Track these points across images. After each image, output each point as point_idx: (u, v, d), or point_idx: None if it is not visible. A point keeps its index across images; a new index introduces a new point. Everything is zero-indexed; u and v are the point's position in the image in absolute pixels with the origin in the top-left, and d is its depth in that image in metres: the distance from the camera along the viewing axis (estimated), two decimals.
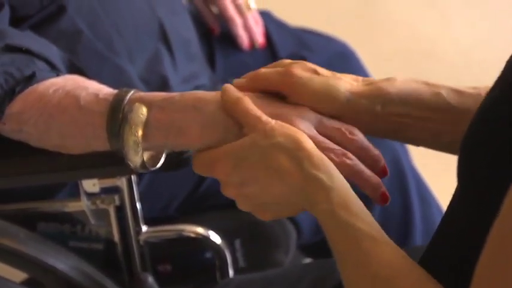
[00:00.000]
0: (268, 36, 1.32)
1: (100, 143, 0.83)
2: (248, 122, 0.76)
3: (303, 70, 0.80)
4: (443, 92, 0.81)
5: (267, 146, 0.74)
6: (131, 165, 0.81)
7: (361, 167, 0.77)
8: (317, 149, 0.74)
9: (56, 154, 0.90)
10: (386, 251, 0.69)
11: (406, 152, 1.33)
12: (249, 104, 0.77)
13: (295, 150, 0.73)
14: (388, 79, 0.82)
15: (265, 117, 0.76)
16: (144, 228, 1.05)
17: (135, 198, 1.02)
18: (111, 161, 0.92)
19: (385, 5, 2.63)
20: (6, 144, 0.92)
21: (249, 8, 1.30)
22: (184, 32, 1.20)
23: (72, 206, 1.05)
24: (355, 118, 0.80)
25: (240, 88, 0.80)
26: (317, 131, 0.77)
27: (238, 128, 0.77)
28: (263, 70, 0.81)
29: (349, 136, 0.77)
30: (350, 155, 0.76)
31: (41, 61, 0.90)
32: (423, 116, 0.81)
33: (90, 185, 0.99)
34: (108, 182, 1.00)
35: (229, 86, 0.79)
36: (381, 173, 0.79)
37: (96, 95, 0.84)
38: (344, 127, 0.78)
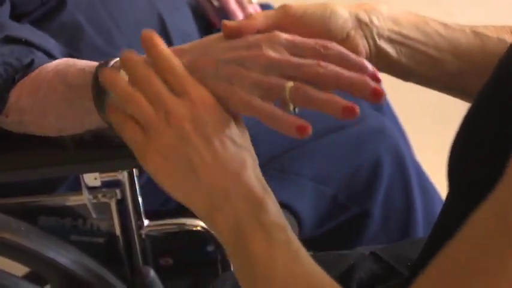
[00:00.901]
0: None
1: (94, 119, 0.81)
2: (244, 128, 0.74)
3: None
4: (430, 22, 0.81)
5: (249, 147, 0.73)
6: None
7: (337, 69, 0.71)
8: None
9: (57, 148, 0.90)
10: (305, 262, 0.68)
11: (408, 146, 1.32)
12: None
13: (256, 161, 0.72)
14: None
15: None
16: (146, 222, 1.05)
17: (136, 192, 1.02)
18: (112, 155, 0.92)
19: (387, 1, 2.62)
20: (7, 138, 0.92)
21: (249, 1, 1.30)
22: (184, 26, 1.20)
23: (73, 200, 1.05)
24: (355, 41, 0.78)
25: (237, 29, 0.75)
26: (290, 52, 0.73)
27: None
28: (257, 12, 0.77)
29: (323, 51, 0.73)
30: (321, 62, 0.71)
31: (40, 52, 0.90)
32: (418, 39, 0.80)
33: (92, 178, 0.99)
34: (110, 176, 1.01)
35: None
36: (372, 79, 0.72)
37: (82, 69, 0.83)
38: (318, 43, 0.73)
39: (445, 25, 0.82)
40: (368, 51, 0.78)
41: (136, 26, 1.10)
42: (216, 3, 1.30)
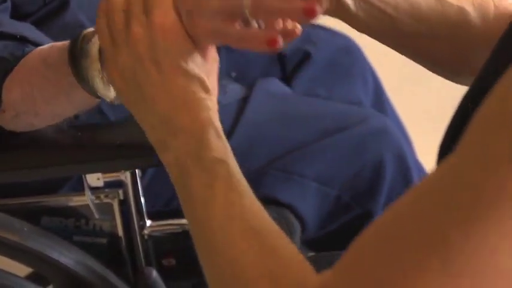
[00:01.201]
0: None
1: (79, 93, 0.82)
2: (208, 53, 0.72)
3: None
4: None
5: (203, 79, 0.70)
6: (107, 99, 0.80)
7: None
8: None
9: (60, 148, 0.90)
10: (258, 208, 0.67)
11: (410, 146, 1.32)
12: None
13: (209, 94, 0.70)
14: None
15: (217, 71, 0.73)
16: (148, 222, 1.05)
17: (139, 192, 1.02)
18: (115, 155, 0.92)
19: None
20: (7, 138, 0.92)
21: None
22: None
23: (76, 201, 1.05)
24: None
25: None
26: None
27: None
28: None
29: None
30: None
31: (34, 46, 0.90)
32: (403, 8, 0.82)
33: (94, 179, 0.99)
34: (112, 176, 1.00)
35: None
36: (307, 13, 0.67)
37: (60, 48, 0.84)
38: None
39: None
40: None
41: None
42: None
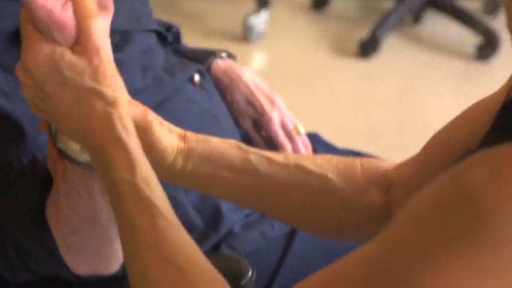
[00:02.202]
0: None
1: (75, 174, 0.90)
2: (84, 44, 0.79)
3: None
4: (253, 158, 0.87)
5: (89, 86, 0.78)
6: (72, 155, 0.87)
7: None
8: (129, 115, 0.79)
9: None
10: (180, 235, 0.72)
11: None
12: (95, 24, 0.80)
13: (112, 105, 0.77)
14: (205, 140, 0.88)
15: (102, 52, 0.79)
16: None
17: None
18: None
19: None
20: None
21: (298, 133, 1.30)
22: None
23: None
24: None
25: None
26: None
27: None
28: None
29: None
30: None
31: None
32: (230, 178, 0.87)
33: None
34: None
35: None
36: None
37: None
38: None
39: (269, 160, 0.88)
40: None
41: None
42: (264, 134, 1.32)
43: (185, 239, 0.72)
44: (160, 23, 1.33)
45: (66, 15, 0.79)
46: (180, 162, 0.86)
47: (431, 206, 0.54)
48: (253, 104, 1.31)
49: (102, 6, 0.83)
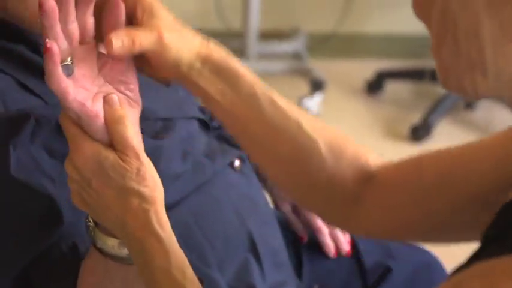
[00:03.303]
0: (353, 244, 1.34)
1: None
2: (124, 148, 0.86)
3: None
4: (261, 97, 0.92)
5: (130, 186, 0.86)
6: (108, 251, 0.93)
7: None
8: (164, 211, 0.87)
9: None
10: None
11: None
12: (129, 128, 0.87)
13: (150, 203, 0.86)
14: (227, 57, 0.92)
15: (141, 155, 0.87)
16: None
17: None
18: None
19: None
20: None
21: None
22: (273, 241, 1.26)
23: None
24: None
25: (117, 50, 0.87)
26: None
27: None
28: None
29: None
30: None
31: None
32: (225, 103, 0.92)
33: None
34: None
35: (114, 100, 0.88)
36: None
37: None
38: None
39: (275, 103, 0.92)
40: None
41: (227, 243, 1.18)
42: (302, 217, 1.36)
43: None
44: (205, 109, 1.40)
45: (97, 107, 0.87)
46: (195, 64, 0.91)
47: None
48: None
49: (131, 104, 0.90)
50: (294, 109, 0.93)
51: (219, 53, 0.92)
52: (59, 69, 0.83)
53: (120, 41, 0.84)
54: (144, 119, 1.10)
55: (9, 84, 1.05)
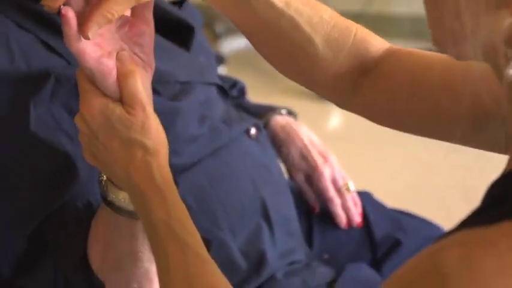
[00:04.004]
0: (365, 216, 1.35)
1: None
2: (131, 101, 0.89)
3: None
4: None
5: (134, 137, 0.89)
6: (120, 204, 0.95)
7: None
8: (167, 164, 0.89)
9: None
10: (211, 271, 0.81)
11: None
12: (138, 82, 0.90)
13: (153, 155, 0.88)
14: None
15: (148, 109, 0.90)
16: None
17: None
18: None
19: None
20: None
21: (348, 190, 1.36)
22: (285, 210, 1.28)
23: None
24: None
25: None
26: None
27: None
28: None
29: None
30: None
31: None
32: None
33: None
34: None
35: (126, 56, 0.91)
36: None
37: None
38: None
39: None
40: None
41: (240, 209, 1.20)
42: (315, 187, 1.37)
43: (216, 275, 0.80)
44: (226, 78, 1.42)
45: (110, 64, 0.90)
46: None
47: (408, 279, 0.57)
48: (306, 158, 1.37)
49: (144, 66, 0.93)
50: (292, 4, 0.91)
51: None
52: (75, 32, 0.86)
53: (95, 24, 0.86)
54: (163, 82, 1.13)
55: (32, 43, 1.07)
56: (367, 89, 0.93)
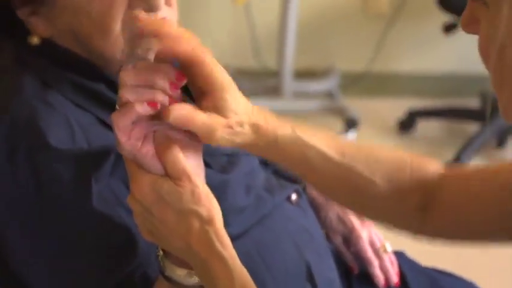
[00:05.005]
0: (402, 275, 1.40)
1: None
2: (176, 174, 0.93)
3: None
4: (308, 153, 0.97)
5: (187, 207, 0.92)
6: (178, 280, 0.99)
7: None
8: (223, 229, 0.92)
9: None
10: None
11: None
12: (178, 155, 0.93)
13: (209, 223, 0.91)
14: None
15: (193, 178, 0.93)
16: None
17: None
18: None
19: None
20: None
21: (385, 250, 1.41)
22: (328, 272, 1.32)
23: None
24: None
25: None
26: None
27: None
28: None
29: None
30: None
31: None
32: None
33: None
34: None
35: (160, 137, 0.95)
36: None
37: None
38: None
39: (327, 158, 0.98)
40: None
41: (285, 272, 1.23)
42: (352, 249, 1.42)
43: None
44: None
45: (147, 147, 0.95)
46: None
47: None
48: (344, 221, 1.42)
49: (193, 139, 0.97)
50: (347, 154, 0.97)
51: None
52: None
53: (179, 114, 0.92)
54: (210, 154, 1.18)
55: (91, 122, 1.13)
56: (436, 221, 0.98)
